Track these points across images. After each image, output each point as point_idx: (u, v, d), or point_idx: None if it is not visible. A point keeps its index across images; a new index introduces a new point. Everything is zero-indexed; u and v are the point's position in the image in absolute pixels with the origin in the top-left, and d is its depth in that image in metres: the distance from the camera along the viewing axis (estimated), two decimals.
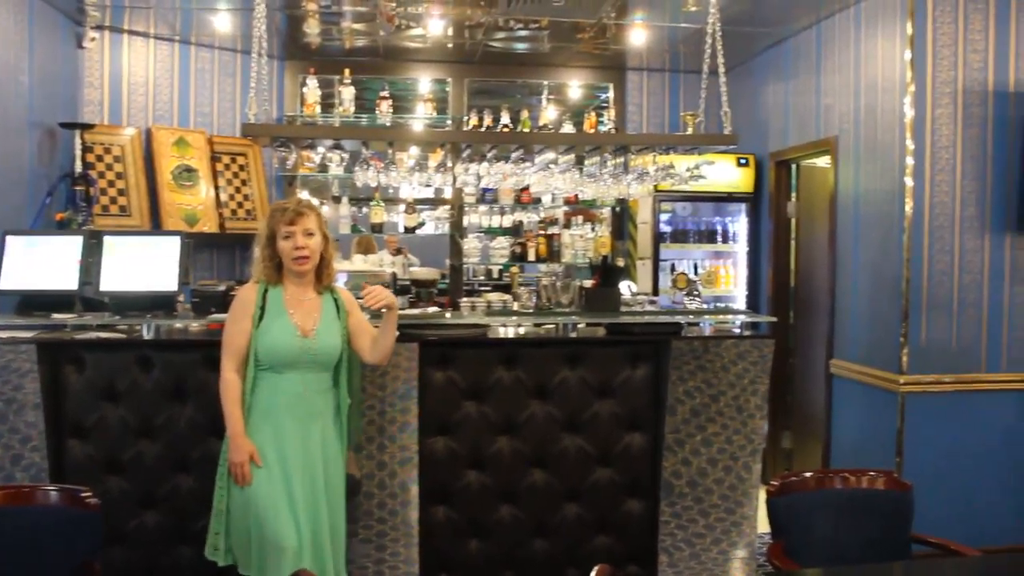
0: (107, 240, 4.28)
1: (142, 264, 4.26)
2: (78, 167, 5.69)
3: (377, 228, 6.92)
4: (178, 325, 4.30)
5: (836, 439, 5.75)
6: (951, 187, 5.01)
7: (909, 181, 4.95)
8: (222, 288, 4.27)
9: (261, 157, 6.88)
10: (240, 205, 6.70)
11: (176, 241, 4.33)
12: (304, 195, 7.17)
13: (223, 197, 6.60)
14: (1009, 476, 5.12)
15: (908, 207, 4.96)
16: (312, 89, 6.86)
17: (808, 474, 3.21)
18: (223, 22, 6.16)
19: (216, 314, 4.08)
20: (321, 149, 5.25)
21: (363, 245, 7.35)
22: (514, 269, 6.99)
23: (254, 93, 4.54)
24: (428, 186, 5.77)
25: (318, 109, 6.87)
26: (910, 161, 4.95)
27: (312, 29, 6.40)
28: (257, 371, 3.29)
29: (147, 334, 4.11)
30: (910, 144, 4.96)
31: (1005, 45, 5.04)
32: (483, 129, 6.48)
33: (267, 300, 3.32)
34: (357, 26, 6.36)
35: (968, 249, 5.06)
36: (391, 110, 6.78)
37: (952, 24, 4.99)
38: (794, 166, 6.60)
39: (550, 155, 5.27)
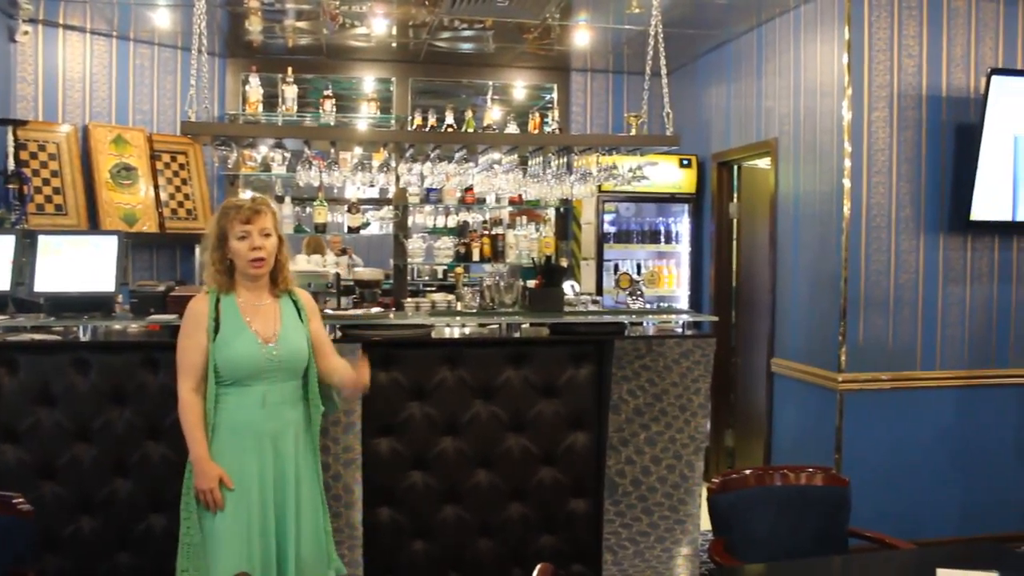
0: (42, 239, 4.18)
1: (78, 264, 4.15)
2: (11, 164, 5.56)
3: (321, 228, 6.86)
4: (116, 327, 4.23)
5: (777, 437, 5.84)
6: (887, 189, 5.12)
7: (847, 183, 5.05)
8: (161, 289, 4.20)
9: (202, 156, 6.77)
10: (181, 204, 6.59)
11: (114, 241, 4.24)
12: (248, 194, 7.09)
13: (163, 196, 6.49)
14: (943, 471, 5.25)
15: (846, 208, 5.05)
16: (254, 87, 6.77)
17: (748, 471, 3.25)
18: (162, 18, 6.06)
19: (156, 315, 4.02)
20: (263, 148, 5.20)
21: (313, 245, 7.27)
22: (459, 269, 6.97)
23: (194, 91, 4.47)
24: (372, 186, 5.73)
25: (260, 108, 6.79)
26: (848, 163, 5.05)
27: (254, 27, 6.33)
28: (219, 387, 3.05)
29: (84, 336, 4.03)
30: (848, 146, 5.05)
31: (938, 51, 5.16)
32: (427, 129, 6.45)
33: (220, 310, 3.08)
34: (300, 24, 6.30)
35: (904, 249, 5.16)
36: (335, 109, 6.72)
37: (888, 30, 5.09)
38: (736, 167, 6.69)
39: (493, 155, 5.27)
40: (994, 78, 4.95)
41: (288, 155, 5.18)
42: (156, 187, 6.47)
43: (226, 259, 3.10)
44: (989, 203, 5.09)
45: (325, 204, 6.84)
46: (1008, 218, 5.17)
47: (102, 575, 3.97)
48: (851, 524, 3.25)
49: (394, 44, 6.81)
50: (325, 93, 6.75)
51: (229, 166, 4.91)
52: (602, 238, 6.88)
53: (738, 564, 2.89)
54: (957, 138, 5.18)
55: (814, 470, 3.30)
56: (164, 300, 4.11)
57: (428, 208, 7.46)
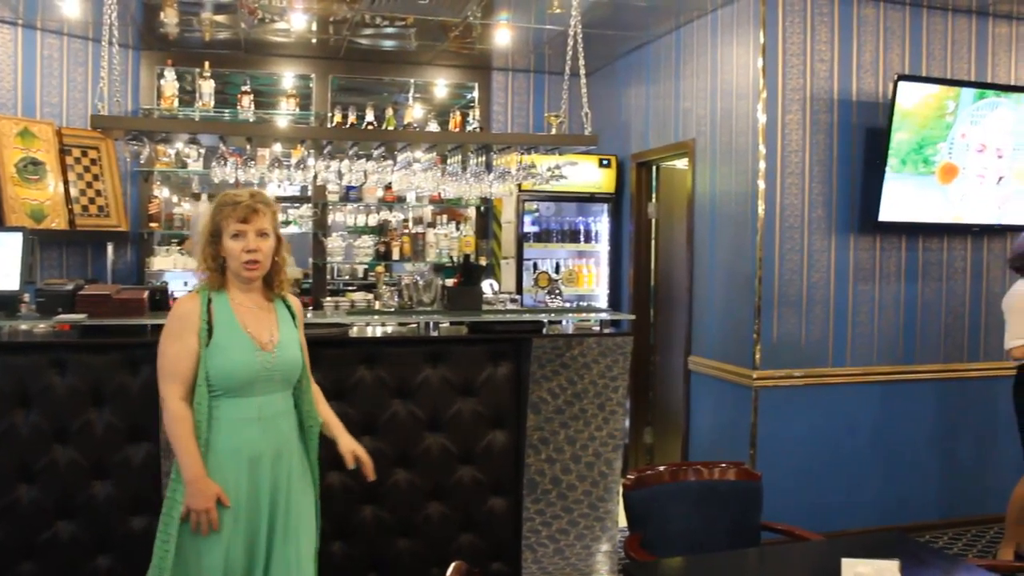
0: None
1: None
2: None
3: None
4: (23, 326, 4.08)
5: (695, 433, 5.93)
6: (800, 190, 5.23)
7: (761, 184, 5.15)
8: (70, 287, 4.08)
9: (115, 151, 6.59)
10: (92, 201, 6.40)
11: (19, 237, 4.10)
12: (165, 192, 6.93)
13: (74, 192, 6.29)
14: (855, 465, 5.39)
15: (761, 208, 5.15)
16: (170, 81, 6.63)
17: (662, 468, 3.29)
18: (71, 7, 5.87)
19: (64, 315, 3.90)
20: (179, 144, 5.09)
21: None
22: (379, 268, 6.94)
23: (105, 83, 4.35)
24: (289, 183, 5.65)
25: (176, 103, 6.65)
26: (762, 164, 5.15)
27: (170, 19, 6.17)
28: (211, 399, 2.79)
29: None
30: (762, 148, 5.15)
31: (848, 56, 5.30)
32: (347, 127, 6.39)
33: (213, 312, 2.82)
34: (218, 18, 6.17)
35: (816, 249, 5.29)
36: (253, 105, 6.61)
37: (801, 35, 5.21)
38: (655, 168, 6.77)
39: (412, 153, 5.24)
40: (900, 83, 5.10)
41: (203, 151, 5.07)
42: (66, 182, 6.27)
43: (219, 256, 2.84)
44: (896, 204, 5.24)
45: None
46: (914, 219, 5.33)
47: None
48: (765, 517, 3.32)
49: (314, 40, 6.73)
50: (243, 89, 6.64)
51: (142, 162, 4.80)
52: (522, 237, 6.90)
53: (652, 559, 2.92)
54: (866, 141, 5.33)
55: (727, 465, 3.36)
56: (73, 299, 3.99)
57: (349, 206, 7.40)
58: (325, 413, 3.13)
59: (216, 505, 2.74)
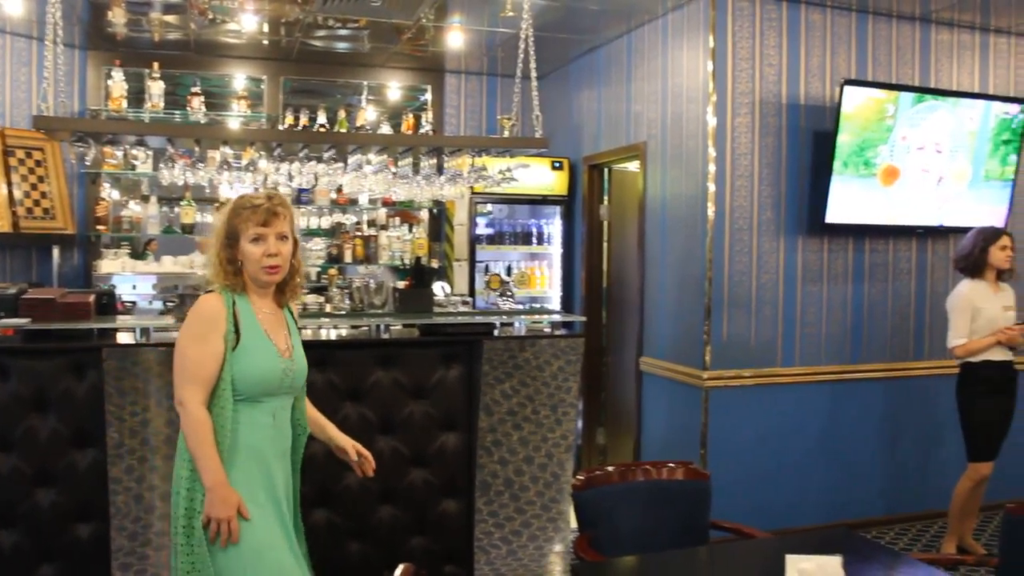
0: None
1: None
2: None
3: (188, 229, 6.67)
4: None
5: (646, 433, 5.97)
6: (749, 192, 5.30)
7: (711, 186, 5.20)
8: (13, 291, 4.02)
9: (61, 152, 6.48)
10: (37, 203, 6.29)
11: None
12: (114, 194, 6.82)
13: (17, 194, 6.17)
14: (804, 463, 5.47)
15: (710, 210, 5.20)
16: (118, 82, 6.52)
17: (611, 468, 3.31)
18: (14, 5, 5.76)
19: (7, 319, 3.84)
20: (126, 146, 5.01)
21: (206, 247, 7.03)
22: (332, 271, 6.88)
23: (48, 83, 4.28)
24: (241, 184, 5.60)
25: (125, 104, 6.54)
26: (712, 167, 5.20)
27: (117, 19, 6.07)
28: (236, 403, 2.72)
29: None
30: (712, 151, 5.20)
31: (796, 61, 5.38)
32: (299, 129, 6.34)
33: (237, 314, 2.75)
34: (167, 18, 6.09)
35: (765, 251, 5.36)
36: (203, 107, 6.53)
37: (750, 39, 5.27)
38: (606, 170, 6.81)
39: (364, 155, 5.22)
40: (847, 88, 5.19)
41: (151, 153, 5.00)
42: (9, 184, 6.14)
43: (235, 260, 2.76)
44: (843, 206, 5.33)
45: (193, 204, 6.66)
46: (860, 221, 5.42)
47: None
48: (715, 516, 3.35)
49: (266, 42, 6.68)
50: (193, 90, 6.55)
51: (88, 163, 4.72)
52: (475, 239, 6.91)
53: (602, 559, 2.93)
54: (814, 144, 5.41)
55: (676, 465, 3.39)
56: (16, 303, 3.92)
57: (301, 209, 7.34)
58: (314, 418, 3.08)
59: (236, 515, 2.66)
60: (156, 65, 6.48)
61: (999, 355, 4.93)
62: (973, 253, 5.01)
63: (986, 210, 5.73)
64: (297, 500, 2.96)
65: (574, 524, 4.28)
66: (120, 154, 6.07)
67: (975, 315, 4.92)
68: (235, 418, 2.71)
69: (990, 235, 5.02)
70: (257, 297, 2.83)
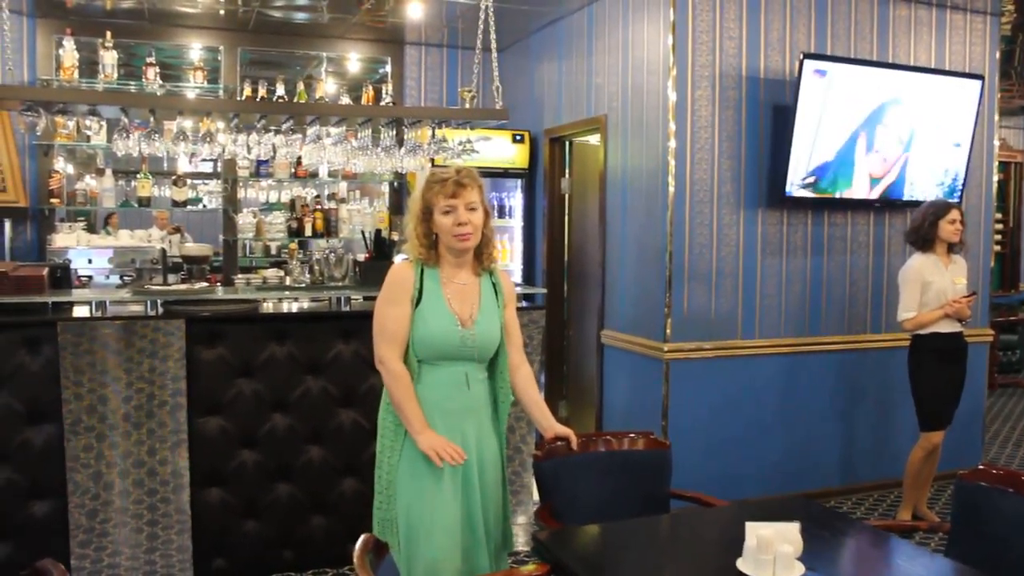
0: None
1: None
2: None
3: (144, 202, 6.57)
4: None
5: (608, 406, 6.01)
6: (710, 165, 5.32)
7: (671, 159, 5.21)
8: None
9: (10, 123, 6.33)
10: None
11: None
12: (69, 168, 6.69)
13: None
14: (763, 434, 5.53)
15: (671, 184, 5.22)
16: (69, 51, 6.36)
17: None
18: None
19: None
20: (78, 117, 4.91)
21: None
22: (292, 245, 6.84)
23: None
24: (200, 158, 5.52)
25: (77, 74, 6.39)
26: (672, 141, 5.21)
27: None
28: (418, 363, 2.91)
29: None
30: (672, 125, 5.21)
31: (756, 34, 5.39)
32: (256, 101, 6.25)
33: (424, 280, 2.94)
34: None
35: (725, 224, 5.39)
36: (159, 78, 6.41)
37: (710, 12, 5.27)
38: (567, 143, 6.80)
39: (324, 127, 5.17)
40: (806, 62, 5.21)
41: (104, 123, 4.90)
42: None
43: (431, 233, 2.94)
44: (803, 180, 5.37)
45: (149, 177, 6.56)
46: (819, 194, 5.47)
47: None
48: (676, 486, 3.39)
49: (222, 12, 6.56)
50: (148, 60, 6.42)
51: (38, 134, 4.61)
52: None
53: (561, 527, 2.96)
54: (774, 118, 5.44)
55: (636, 435, 3.41)
56: None
57: (261, 182, 7.27)
58: (531, 396, 3.16)
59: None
60: (109, 34, 6.33)
61: (947, 327, 5.01)
62: (923, 227, 5.07)
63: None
64: (502, 462, 3.09)
65: (536, 496, 4.32)
66: (72, 124, 5.95)
67: (925, 288, 4.99)
68: (420, 376, 2.91)
69: (940, 208, 5.09)
70: (452, 268, 2.99)
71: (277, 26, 6.93)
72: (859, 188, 5.58)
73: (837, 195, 5.54)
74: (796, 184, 5.34)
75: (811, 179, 5.40)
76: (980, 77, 5.84)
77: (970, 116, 5.82)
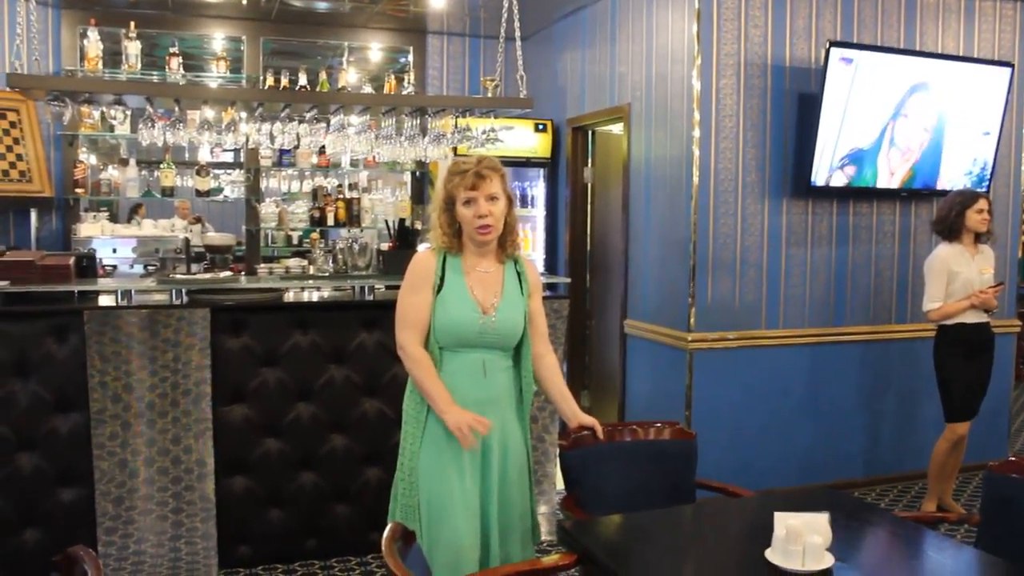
0: None
1: None
2: None
3: (168, 192, 6.59)
4: None
5: (631, 395, 5.99)
6: (734, 154, 5.28)
7: (696, 149, 5.18)
8: None
9: (36, 114, 6.37)
10: (13, 166, 6.19)
11: None
12: (92, 158, 6.72)
13: None
14: (787, 425, 5.50)
15: (695, 173, 5.18)
16: (93, 42, 6.37)
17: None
18: None
19: None
20: (103, 107, 4.92)
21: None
22: (314, 235, 6.85)
23: (22, 40, 4.20)
24: (224, 148, 5.53)
25: (101, 64, 6.41)
26: (697, 130, 5.17)
27: None
28: (439, 349, 2.92)
29: None
30: (697, 113, 5.17)
31: (782, 22, 5.34)
32: (280, 89, 6.25)
33: (446, 268, 2.95)
34: None
35: (749, 213, 5.35)
36: (182, 68, 6.42)
37: (735, 0, 5.23)
38: (590, 132, 6.77)
39: (347, 116, 5.17)
40: (832, 50, 5.16)
41: (129, 113, 4.91)
42: None
43: (455, 222, 2.94)
44: (829, 169, 5.32)
45: (173, 167, 6.58)
46: (845, 184, 5.42)
47: None
48: (700, 476, 3.37)
49: (244, 1, 6.56)
50: (171, 51, 6.42)
51: (64, 124, 4.63)
52: None
53: (588, 517, 2.94)
54: (799, 107, 5.39)
55: (662, 425, 3.39)
56: None
57: (283, 172, 7.28)
58: (556, 385, 3.17)
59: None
60: (132, 25, 6.34)
61: (973, 318, 4.96)
62: (950, 216, 5.01)
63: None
64: (527, 452, 3.08)
65: (559, 486, 4.31)
66: (97, 115, 5.98)
67: (951, 278, 4.93)
68: (441, 363, 2.92)
69: (967, 198, 5.03)
70: (474, 256, 2.98)
71: (299, 16, 6.94)
72: (885, 177, 5.53)
73: (865, 185, 5.48)
74: (824, 172, 5.29)
75: (851, 168, 5.35)
76: (1010, 65, 5.77)
77: (999, 104, 5.74)
